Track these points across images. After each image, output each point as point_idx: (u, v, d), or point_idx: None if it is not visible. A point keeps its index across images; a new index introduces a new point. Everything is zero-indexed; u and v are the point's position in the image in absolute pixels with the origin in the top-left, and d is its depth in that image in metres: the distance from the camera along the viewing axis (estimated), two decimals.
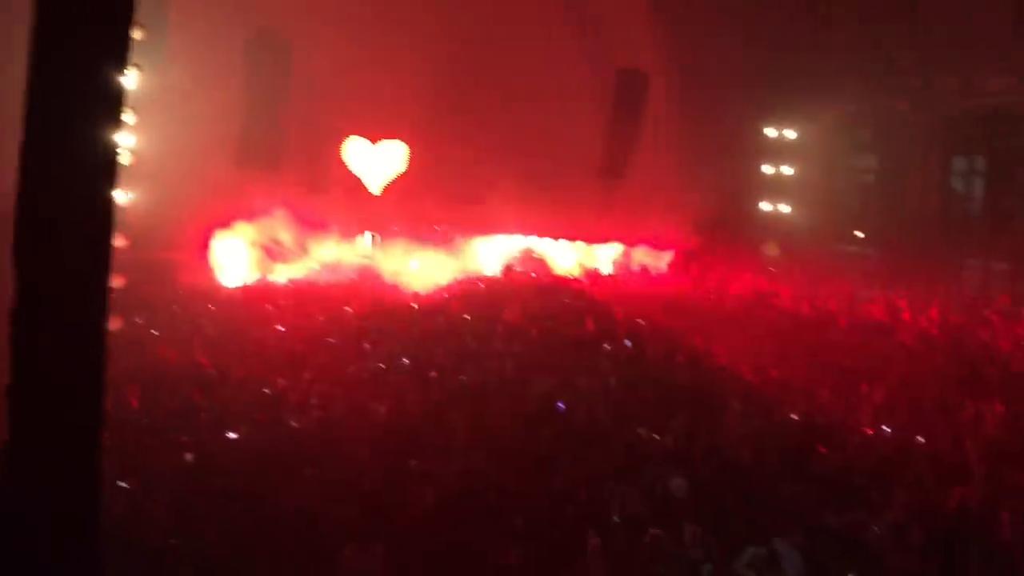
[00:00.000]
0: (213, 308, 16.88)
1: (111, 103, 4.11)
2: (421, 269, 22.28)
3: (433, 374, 12.72)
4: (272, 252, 21.78)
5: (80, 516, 3.96)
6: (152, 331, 14.38)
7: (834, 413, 11.73)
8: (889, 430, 11.04)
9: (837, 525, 8.33)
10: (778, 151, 27.29)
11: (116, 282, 3.86)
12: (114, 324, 3.92)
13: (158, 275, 16.63)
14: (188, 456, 9.28)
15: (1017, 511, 8.62)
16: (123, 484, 8.01)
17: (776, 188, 27.44)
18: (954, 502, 9.03)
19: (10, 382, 3.84)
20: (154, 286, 15.67)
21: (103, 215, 4.14)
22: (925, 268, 24.02)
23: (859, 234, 26.71)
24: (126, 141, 4.38)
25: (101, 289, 3.94)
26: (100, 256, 3.97)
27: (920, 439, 10.79)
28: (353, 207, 23.72)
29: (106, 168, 4.16)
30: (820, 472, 9.65)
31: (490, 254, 25.01)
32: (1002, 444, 10.75)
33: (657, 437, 10.18)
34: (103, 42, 4.04)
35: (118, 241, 3.84)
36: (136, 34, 4.22)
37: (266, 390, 11.65)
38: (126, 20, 4.18)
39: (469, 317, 16.54)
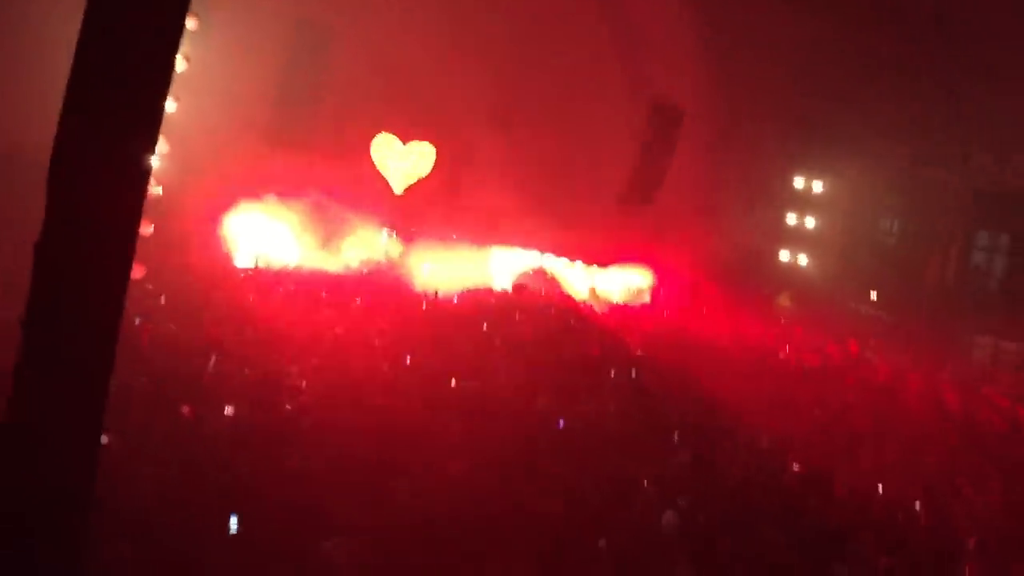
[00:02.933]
0: (225, 285, 16.86)
1: (161, 68, 4.08)
2: (434, 274, 22.25)
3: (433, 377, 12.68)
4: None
5: (76, 458, 3.90)
6: (160, 298, 14.37)
7: (830, 468, 11.61)
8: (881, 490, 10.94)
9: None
10: (804, 202, 27.27)
11: (144, 230, 3.83)
12: (137, 272, 3.88)
13: (175, 243, 16.62)
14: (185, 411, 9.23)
15: None
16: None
17: (797, 239, 27.40)
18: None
19: (25, 314, 3.81)
20: (169, 254, 15.67)
21: (139, 167, 4.10)
22: (936, 338, 23.96)
23: (874, 295, 26.60)
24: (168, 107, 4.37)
25: (130, 234, 3.91)
26: (132, 204, 3.94)
27: (916, 506, 10.67)
28: (375, 204, 23.71)
29: (148, 126, 4.13)
30: (811, 524, 9.56)
31: (504, 267, 24.98)
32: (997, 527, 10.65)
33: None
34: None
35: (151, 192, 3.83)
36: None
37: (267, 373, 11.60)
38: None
39: (486, 326, 16.52)
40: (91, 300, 3.86)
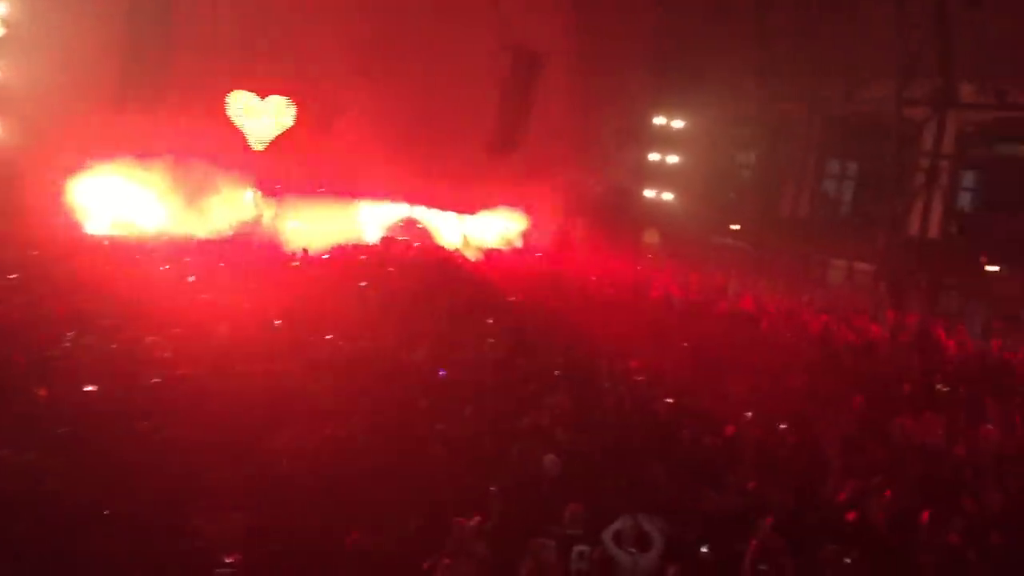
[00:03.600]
0: (73, 257, 15.98)
1: None
2: (303, 231, 21.77)
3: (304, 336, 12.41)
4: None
5: None
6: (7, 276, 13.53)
7: (703, 399, 12.00)
8: (750, 415, 11.36)
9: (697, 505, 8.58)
10: (665, 140, 27.78)
11: None
12: None
13: (16, 215, 15.64)
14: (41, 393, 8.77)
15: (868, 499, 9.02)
16: None
17: (660, 176, 27.94)
18: (809, 490, 9.40)
19: None
20: (11, 227, 14.76)
21: None
22: (794, 265, 25.02)
23: (735, 227, 27.46)
24: None
25: None
26: None
27: (783, 426, 11.13)
28: (237, 162, 22.90)
29: None
30: (686, 455, 9.87)
31: (374, 220, 24.67)
32: (857, 437, 11.23)
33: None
34: None
35: None
36: None
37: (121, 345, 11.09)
38: None
39: (359, 282, 16.28)
40: None
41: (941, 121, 23.15)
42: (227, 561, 6.88)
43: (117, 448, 8.24)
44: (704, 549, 7.58)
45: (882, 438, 11.38)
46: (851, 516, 8.59)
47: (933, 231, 23.53)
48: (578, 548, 7.38)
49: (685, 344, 14.99)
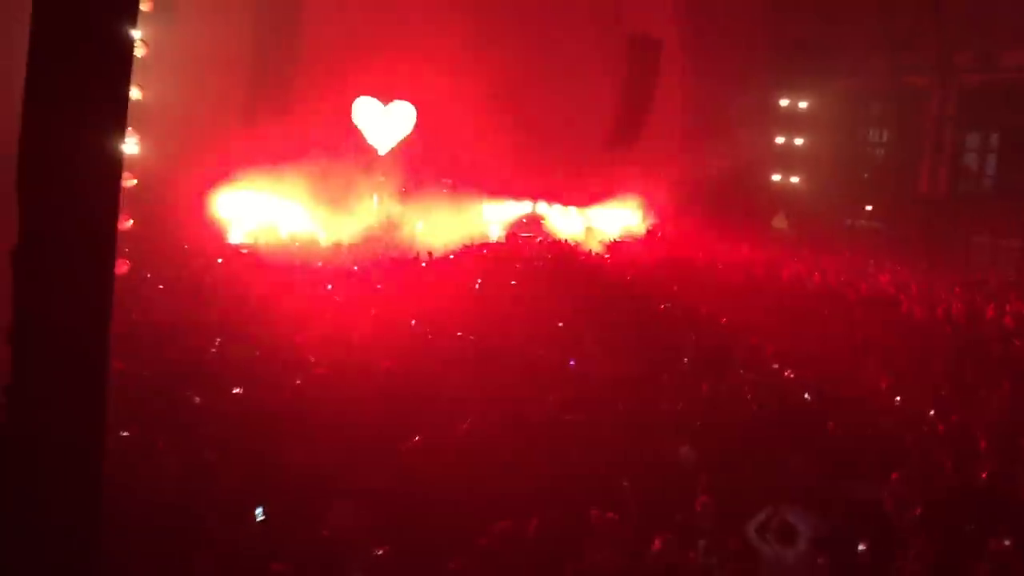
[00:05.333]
0: (219, 263, 16.76)
1: (119, 53, 3.94)
2: (428, 231, 22.16)
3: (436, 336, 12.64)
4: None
5: (82, 464, 3.86)
6: (159, 285, 14.30)
7: (843, 386, 11.62)
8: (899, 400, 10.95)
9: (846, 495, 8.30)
10: (791, 122, 27.04)
11: (124, 225, 3.73)
12: (121, 267, 3.80)
13: (164, 229, 16.50)
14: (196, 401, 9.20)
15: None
16: (125, 433, 7.94)
17: (787, 159, 27.22)
18: (960, 477, 8.98)
19: (11, 327, 3.73)
20: (161, 241, 15.58)
21: (110, 159, 4.00)
22: (933, 244, 23.93)
23: (869, 208, 26.51)
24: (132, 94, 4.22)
25: (109, 231, 3.82)
26: (107, 199, 3.84)
27: (931, 412, 10.68)
28: (362, 168, 23.52)
29: (114, 115, 4.00)
30: (828, 444, 9.57)
31: (498, 218, 24.89)
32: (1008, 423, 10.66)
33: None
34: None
35: (127, 183, 3.72)
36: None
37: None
38: None
39: (480, 282, 16.49)
40: (77, 301, 3.78)
41: None
42: (370, 552, 7.10)
43: (265, 447, 8.59)
44: (860, 545, 7.31)
45: None
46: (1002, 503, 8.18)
47: None
48: (704, 541, 7.24)
49: (821, 329, 14.56)
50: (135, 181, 11.94)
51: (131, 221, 9.16)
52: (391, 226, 22.47)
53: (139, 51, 10.47)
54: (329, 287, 15.32)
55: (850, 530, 7.50)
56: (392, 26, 22.80)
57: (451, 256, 19.58)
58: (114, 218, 3.87)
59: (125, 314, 10.81)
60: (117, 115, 3.88)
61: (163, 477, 7.87)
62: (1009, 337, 15.09)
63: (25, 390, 3.76)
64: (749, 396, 10.89)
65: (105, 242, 3.81)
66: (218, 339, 11.71)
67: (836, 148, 27.28)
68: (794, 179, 27.20)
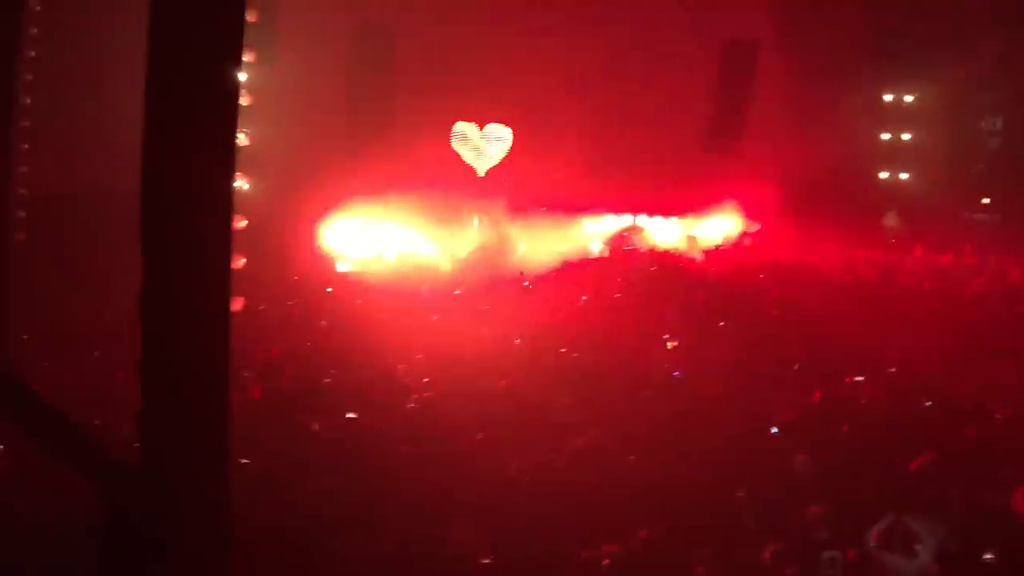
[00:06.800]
0: (330, 292, 17.28)
1: (228, 100, 4.19)
2: (530, 250, 22.35)
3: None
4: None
5: (210, 492, 4.08)
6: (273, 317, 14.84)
7: (963, 389, 11.18)
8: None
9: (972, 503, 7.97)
10: (897, 116, 26.23)
11: (237, 264, 3.94)
12: (236, 305, 4.00)
13: (276, 264, 17.13)
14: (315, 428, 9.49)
15: None
16: (245, 461, 8.24)
17: (895, 155, 26.40)
18: None
19: (141, 362, 3.99)
20: (273, 272, 16.17)
21: (223, 202, 4.22)
22: None
23: (986, 201, 25.45)
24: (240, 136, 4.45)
25: (223, 268, 4.04)
26: (222, 240, 4.06)
27: None
28: (462, 191, 23.89)
29: (225, 157, 4.23)
30: (952, 449, 9.22)
31: (599, 232, 24.91)
32: None
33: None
34: (219, 38, 4.12)
35: (238, 224, 3.92)
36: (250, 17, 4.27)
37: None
38: (239, 21, 4.25)
39: (585, 298, 16.57)
40: (198, 337, 4.01)
41: None
42: (481, 562, 7.19)
43: (381, 469, 8.80)
44: (987, 555, 6.99)
45: None
46: None
47: None
48: (828, 553, 7.04)
49: (939, 331, 14.04)
50: (245, 222, 12.47)
51: (244, 260, 9.55)
52: (495, 247, 22.73)
53: (244, 100, 10.95)
54: (434, 316, 15.58)
55: (976, 539, 7.20)
56: (485, 50, 23.14)
57: (554, 274, 19.68)
58: (228, 256, 4.09)
59: (243, 346, 11.27)
60: (227, 158, 4.10)
61: (285, 503, 8.15)
62: None
63: (154, 424, 4.01)
64: (864, 402, 10.60)
65: (220, 279, 4.03)
66: (331, 366, 12.05)
67: (947, 140, 26.30)
68: (904, 175, 26.34)
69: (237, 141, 4.11)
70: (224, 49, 4.14)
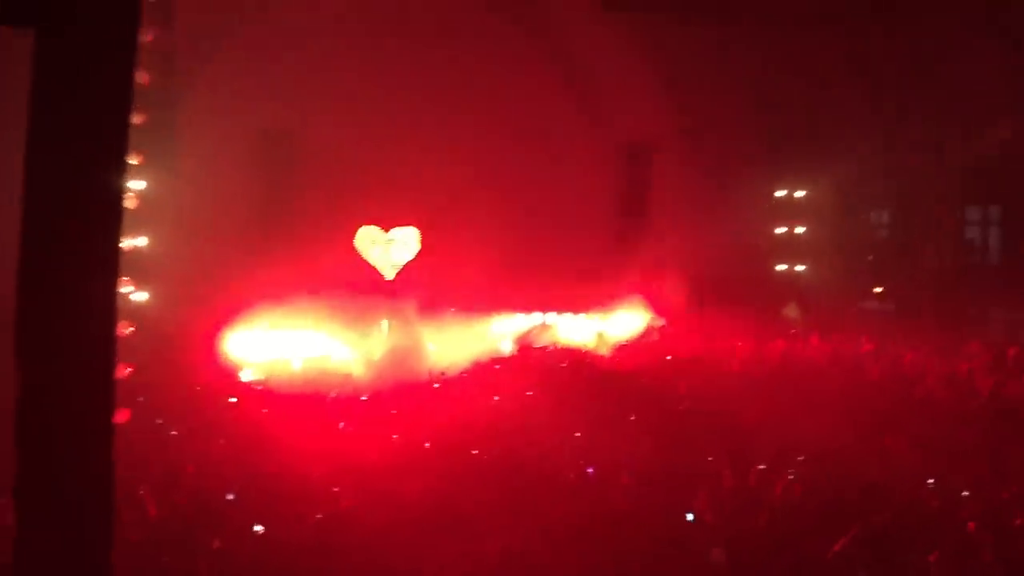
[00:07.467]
0: (234, 402, 16.71)
1: (111, 204, 4.04)
2: (438, 351, 22.17)
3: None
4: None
5: None
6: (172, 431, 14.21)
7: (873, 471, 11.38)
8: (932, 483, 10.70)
9: None
10: (790, 211, 27.32)
11: (122, 372, 3.73)
12: (121, 417, 3.79)
13: (177, 373, 16.54)
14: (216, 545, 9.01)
15: None
16: None
17: (790, 248, 27.39)
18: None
19: (16, 483, 3.70)
20: (173, 383, 15.60)
21: (105, 309, 4.03)
22: (946, 321, 23.80)
23: (878, 290, 26.50)
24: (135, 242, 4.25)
25: (106, 380, 3.82)
26: (104, 346, 3.85)
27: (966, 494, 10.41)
28: (370, 294, 23.72)
29: (106, 264, 4.06)
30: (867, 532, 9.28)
31: (507, 332, 24.93)
32: None
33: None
34: (102, 141, 3.99)
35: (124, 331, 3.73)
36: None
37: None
38: (123, 126, 4.13)
39: (497, 398, 16.42)
40: (81, 451, 3.76)
41: None
42: None
43: None
44: None
45: None
46: None
47: None
48: None
49: (844, 417, 14.33)
50: (132, 328, 12.02)
51: (130, 369, 9.14)
52: (404, 350, 22.49)
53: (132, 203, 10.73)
54: (341, 423, 15.19)
55: None
56: (391, 152, 23.37)
57: (464, 375, 19.52)
58: (111, 363, 3.87)
59: (138, 461, 10.74)
60: (108, 264, 3.93)
61: None
62: None
63: (31, 548, 3.72)
64: (777, 492, 10.65)
65: (103, 389, 3.80)
66: (234, 480, 11.54)
67: (838, 233, 27.46)
68: (800, 267, 27.29)
69: (122, 245, 3.96)
70: (108, 153, 4.01)
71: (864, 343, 22.11)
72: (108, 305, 3.90)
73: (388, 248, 24.85)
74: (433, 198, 23.92)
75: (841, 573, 8.27)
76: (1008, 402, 15.43)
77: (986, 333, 23.54)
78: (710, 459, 12.04)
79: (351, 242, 24.46)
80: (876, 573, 8.32)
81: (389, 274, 24.87)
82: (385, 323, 23.76)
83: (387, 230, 24.90)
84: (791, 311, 26.93)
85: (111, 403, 3.79)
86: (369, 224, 24.77)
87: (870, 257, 27.52)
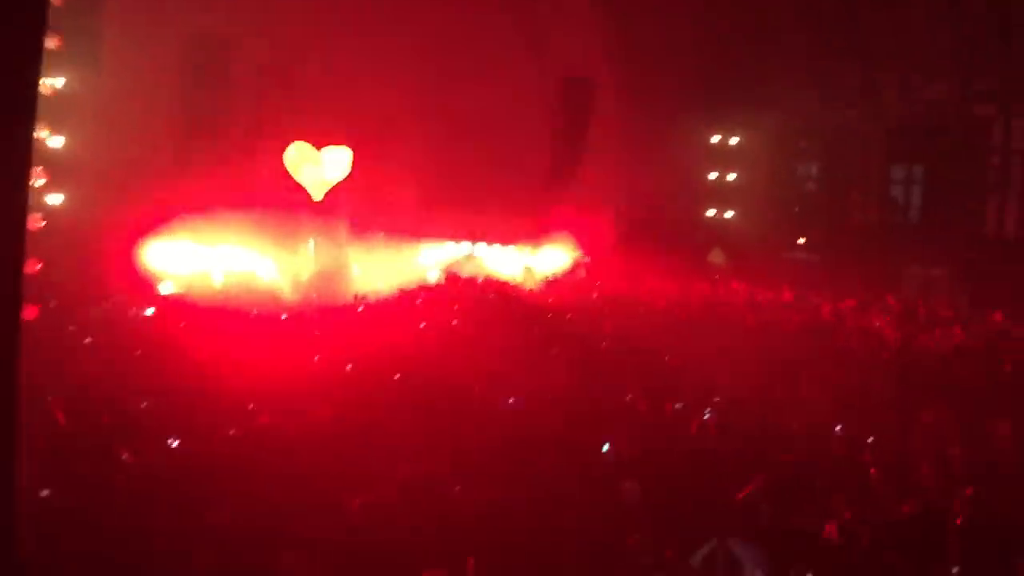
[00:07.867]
0: (147, 315, 16.33)
1: (22, 109, 3.79)
2: (364, 275, 21.98)
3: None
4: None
5: None
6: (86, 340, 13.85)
7: (786, 416, 11.70)
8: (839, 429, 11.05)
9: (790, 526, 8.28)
10: (724, 157, 27.53)
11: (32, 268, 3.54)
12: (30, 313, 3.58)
13: (91, 281, 16.05)
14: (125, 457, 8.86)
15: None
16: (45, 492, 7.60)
17: (721, 194, 27.66)
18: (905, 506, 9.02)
19: None
20: (89, 290, 15.14)
21: (15, 214, 3.80)
22: (866, 274, 24.40)
23: (801, 240, 27.00)
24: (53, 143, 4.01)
25: (12, 277, 3.62)
26: (11, 249, 3.64)
27: (870, 440, 10.77)
28: (296, 213, 23.29)
29: (16, 173, 3.82)
30: (774, 476, 9.56)
31: (435, 260, 24.82)
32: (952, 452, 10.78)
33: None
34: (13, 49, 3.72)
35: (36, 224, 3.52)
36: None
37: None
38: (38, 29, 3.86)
39: (423, 325, 16.36)
40: None
41: (1007, 117, 22.52)
42: None
43: (201, 499, 8.29)
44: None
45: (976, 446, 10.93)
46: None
47: (1010, 230, 22.83)
48: None
49: (760, 363, 14.66)
50: (44, 222, 11.52)
51: (40, 264, 8.80)
52: (331, 271, 22.25)
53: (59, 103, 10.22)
54: (263, 341, 14.97)
55: (795, 560, 7.45)
56: (325, 70, 22.79)
57: (389, 300, 19.40)
58: (19, 253, 3.67)
59: (48, 368, 10.46)
60: (20, 160, 3.70)
61: (92, 537, 7.54)
62: (947, 361, 15.44)
63: None
64: (693, 431, 10.89)
65: (10, 279, 3.60)
66: (148, 392, 11.32)
67: (768, 182, 27.82)
68: (728, 214, 27.62)
69: (34, 143, 3.72)
70: (19, 48, 3.75)
71: (785, 292, 22.58)
72: (16, 195, 3.68)
73: (319, 167, 24.32)
74: (367, 120, 23.43)
75: (747, 511, 8.49)
76: (916, 355, 15.97)
77: (902, 288, 24.27)
78: (629, 397, 12.21)
79: (280, 158, 23.87)
80: (780, 512, 8.56)
81: (318, 194, 24.38)
82: (312, 243, 23.43)
83: (319, 148, 24.37)
84: (716, 256, 27.32)
85: (17, 294, 3.59)
86: (301, 141, 24.19)
87: (797, 208, 27.99)
